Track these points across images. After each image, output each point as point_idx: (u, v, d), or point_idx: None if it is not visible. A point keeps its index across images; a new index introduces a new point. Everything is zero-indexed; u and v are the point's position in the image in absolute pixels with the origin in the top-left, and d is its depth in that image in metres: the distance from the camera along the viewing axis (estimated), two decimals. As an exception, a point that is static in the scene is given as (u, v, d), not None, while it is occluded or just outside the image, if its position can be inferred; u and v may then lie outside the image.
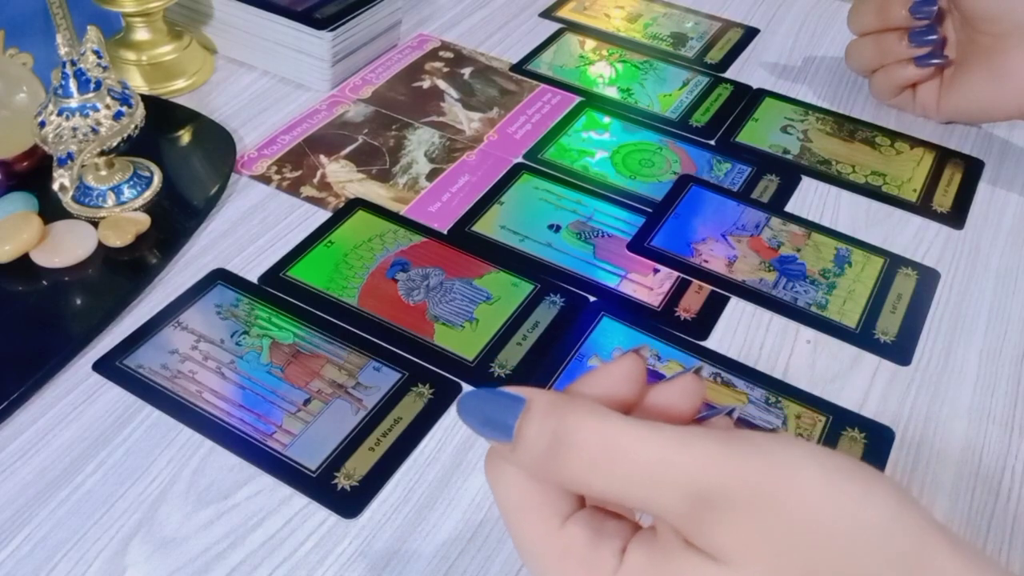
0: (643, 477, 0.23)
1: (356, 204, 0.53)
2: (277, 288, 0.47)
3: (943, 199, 0.55)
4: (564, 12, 0.72)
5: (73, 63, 0.47)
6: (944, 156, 0.59)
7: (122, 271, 0.48)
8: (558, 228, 0.52)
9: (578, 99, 0.62)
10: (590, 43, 0.69)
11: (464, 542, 0.37)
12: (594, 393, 0.26)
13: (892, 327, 0.47)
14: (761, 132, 0.60)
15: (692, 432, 0.23)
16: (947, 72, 0.58)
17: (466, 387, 0.43)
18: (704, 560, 0.23)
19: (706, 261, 0.50)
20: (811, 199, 0.55)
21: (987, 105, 0.56)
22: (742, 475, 0.22)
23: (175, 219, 0.51)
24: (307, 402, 0.41)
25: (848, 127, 0.61)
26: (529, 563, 0.26)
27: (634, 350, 0.27)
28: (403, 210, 0.52)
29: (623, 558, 0.24)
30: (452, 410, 0.41)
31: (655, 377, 0.43)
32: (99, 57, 0.48)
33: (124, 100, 0.49)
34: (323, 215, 0.52)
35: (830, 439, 0.41)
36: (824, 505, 0.22)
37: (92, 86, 0.48)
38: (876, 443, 0.41)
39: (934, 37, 0.57)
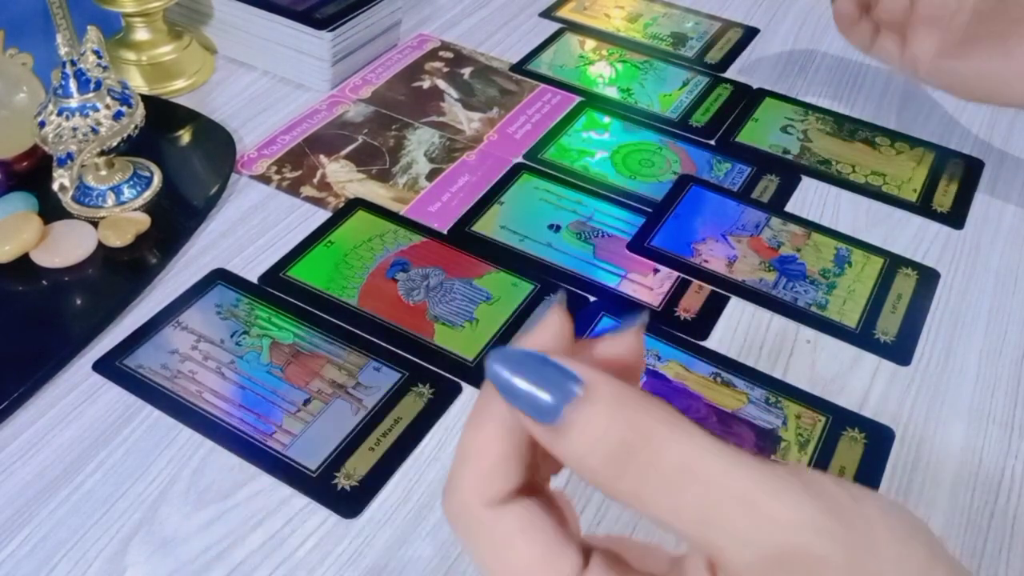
0: (722, 514, 0.19)
1: (356, 204, 0.53)
2: (277, 288, 0.47)
3: (943, 199, 0.55)
4: (564, 12, 0.72)
5: (73, 63, 0.47)
6: (944, 156, 0.59)
7: (122, 271, 0.48)
8: (558, 228, 0.52)
9: (578, 99, 0.62)
10: (590, 43, 0.69)
11: (464, 542, 0.37)
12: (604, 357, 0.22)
13: (892, 327, 0.47)
14: (761, 132, 0.60)
15: (779, 475, 0.20)
16: (951, 37, 0.54)
17: (466, 387, 0.43)
18: None
19: (706, 261, 0.50)
20: (811, 199, 0.55)
21: (990, 86, 0.52)
22: (835, 546, 0.19)
23: (175, 219, 0.51)
24: (307, 402, 0.41)
25: (848, 127, 0.61)
26: None
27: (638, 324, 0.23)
28: (403, 210, 0.52)
29: None
30: (452, 410, 0.41)
31: (655, 377, 0.43)
32: (99, 57, 0.48)
33: (124, 100, 0.49)
34: (323, 215, 0.52)
35: (830, 439, 0.41)
36: None
37: (92, 86, 0.48)
38: (876, 443, 0.41)
39: None
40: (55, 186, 0.47)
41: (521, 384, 0.20)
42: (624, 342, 0.23)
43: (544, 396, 0.20)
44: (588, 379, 0.20)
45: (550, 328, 0.22)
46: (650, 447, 0.19)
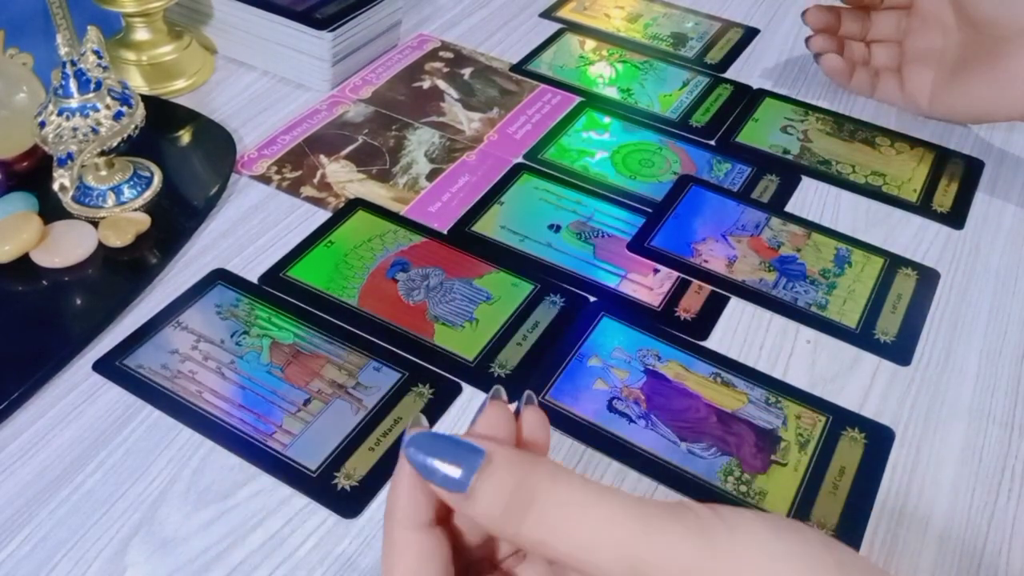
0: (604, 542, 0.23)
1: (356, 204, 0.53)
2: (277, 288, 0.47)
3: (943, 199, 0.55)
4: (564, 12, 0.72)
5: (73, 63, 0.47)
6: (944, 156, 0.59)
7: (122, 271, 0.48)
8: (558, 228, 0.52)
9: (578, 99, 0.62)
10: (590, 43, 0.69)
11: (464, 542, 0.37)
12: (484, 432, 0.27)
13: (892, 327, 0.47)
14: (761, 132, 0.60)
15: (647, 504, 0.23)
16: (943, 69, 0.58)
17: (466, 387, 0.43)
18: None
19: (706, 261, 0.50)
20: (811, 199, 0.55)
21: (988, 107, 0.56)
22: (677, 555, 0.22)
23: (175, 219, 0.51)
24: (307, 402, 0.41)
25: (848, 127, 0.61)
26: None
27: (491, 395, 0.28)
28: (403, 210, 0.52)
29: None
30: (452, 410, 0.42)
31: (655, 377, 0.43)
32: (99, 57, 0.48)
33: (124, 100, 0.49)
34: (323, 215, 0.52)
35: (830, 439, 0.41)
36: None
37: (92, 86, 0.48)
38: (876, 443, 0.41)
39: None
40: (55, 186, 0.47)
41: (434, 464, 0.24)
42: (528, 418, 0.28)
43: (454, 472, 0.24)
44: (488, 449, 0.24)
45: (492, 416, 0.27)
46: (539, 496, 0.23)
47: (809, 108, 0.62)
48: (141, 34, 0.61)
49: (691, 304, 0.47)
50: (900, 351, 0.45)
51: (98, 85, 0.48)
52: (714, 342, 0.46)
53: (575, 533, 0.23)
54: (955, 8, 0.56)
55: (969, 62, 0.56)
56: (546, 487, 0.24)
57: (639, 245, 0.51)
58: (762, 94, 0.64)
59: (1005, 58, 0.53)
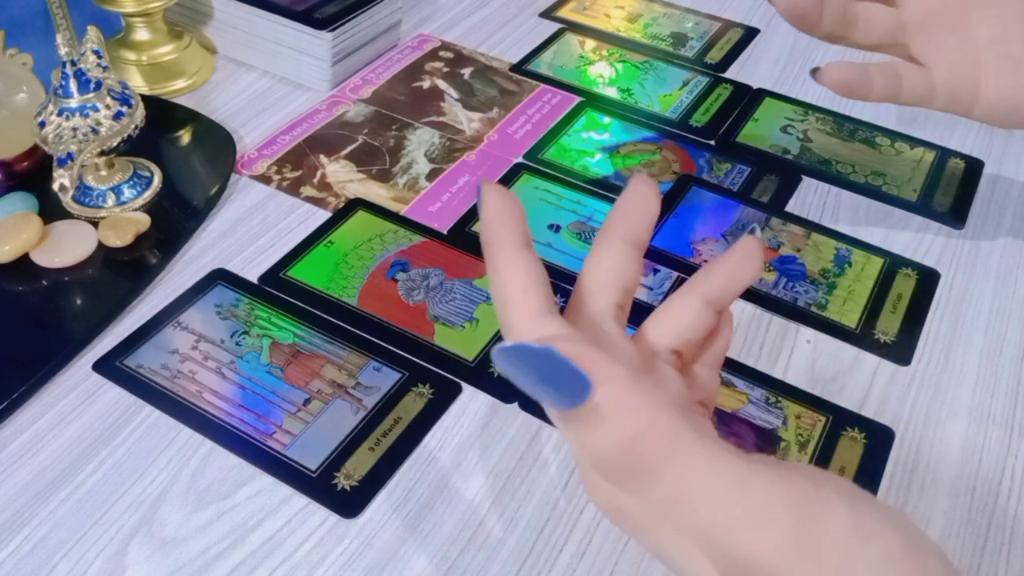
0: (708, 529, 0.22)
1: (356, 204, 0.53)
2: (277, 288, 0.47)
3: (943, 199, 0.55)
4: (564, 12, 0.72)
5: (73, 63, 0.47)
6: (944, 156, 0.59)
7: (122, 271, 0.48)
8: (558, 228, 0.52)
9: (578, 99, 0.62)
10: (590, 43, 0.69)
11: (464, 542, 0.37)
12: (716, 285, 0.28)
13: (892, 327, 0.47)
14: (761, 132, 0.60)
15: (778, 498, 0.22)
16: None
17: (466, 387, 0.43)
18: None
19: (706, 261, 0.50)
20: (811, 199, 0.55)
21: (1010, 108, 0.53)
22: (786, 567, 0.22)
23: (175, 219, 0.51)
24: (307, 402, 0.41)
25: (848, 127, 0.61)
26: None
27: (749, 232, 0.28)
28: (403, 210, 0.52)
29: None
30: (452, 410, 0.42)
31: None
32: (99, 57, 0.48)
33: (124, 100, 0.49)
34: (323, 215, 0.52)
35: (830, 439, 0.41)
36: None
37: (92, 86, 0.48)
38: (876, 443, 0.41)
39: None
40: (55, 186, 0.47)
41: (534, 388, 0.22)
42: (742, 252, 0.29)
43: (554, 400, 0.22)
44: (604, 382, 0.22)
45: (740, 254, 0.29)
46: (657, 467, 0.22)
47: (809, 108, 0.62)
48: (141, 34, 0.61)
49: (691, 304, 0.47)
50: (900, 351, 0.45)
51: (98, 85, 0.48)
52: (714, 342, 0.45)
53: (706, 507, 0.22)
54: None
55: (1004, 64, 0.54)
56: (663, 454, 0.22)
57: (639, 245, 0.51)
58: (762, 94, 0.64)
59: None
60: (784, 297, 0.48)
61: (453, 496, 0.38)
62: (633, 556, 0.36)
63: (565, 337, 0.24)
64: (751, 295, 0.48)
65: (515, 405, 0.42)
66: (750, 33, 0.71)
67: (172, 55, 0.61)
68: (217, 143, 0.56)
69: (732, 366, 0.44)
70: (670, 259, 0.50)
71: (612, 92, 0.63)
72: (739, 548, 0.22)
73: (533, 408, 0.41)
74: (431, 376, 0.43)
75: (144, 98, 0.51)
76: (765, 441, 0.41)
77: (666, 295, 0.48)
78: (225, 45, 0.65)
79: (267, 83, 0.63)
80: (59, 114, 0.47)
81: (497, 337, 0.45)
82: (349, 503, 0.38)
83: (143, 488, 0.38)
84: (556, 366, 0.21)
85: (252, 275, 0.48)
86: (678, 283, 0.48)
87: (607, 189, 0.55)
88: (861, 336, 0.46)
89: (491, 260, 0.26)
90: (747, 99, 0.63)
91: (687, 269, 0.49)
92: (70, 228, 0.49)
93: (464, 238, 0.51)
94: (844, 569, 0.22)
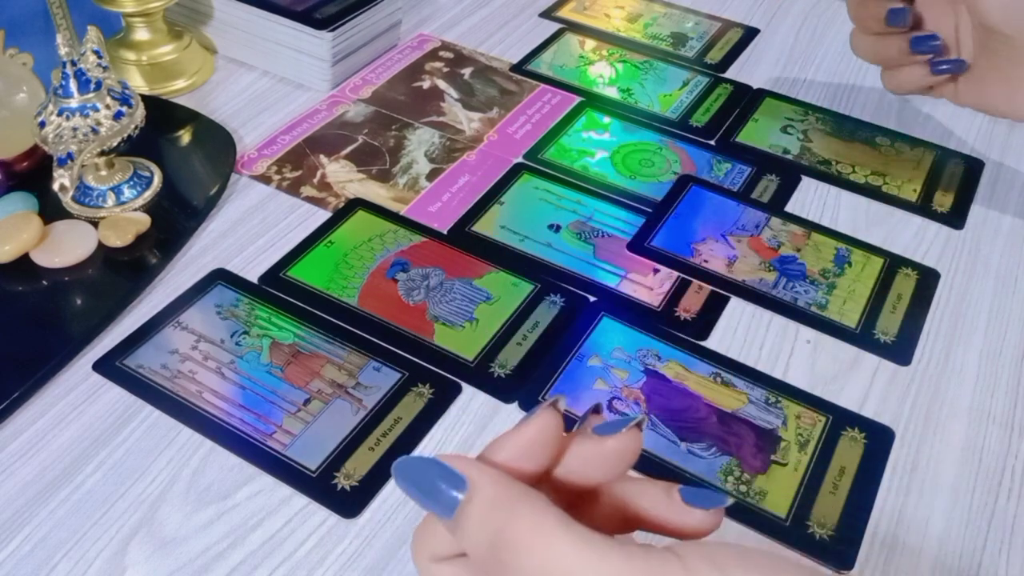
0: None
1: (356, 204, 0.53)
2: (277, 288, 0.47)
3: (943, 199, 0.55)
4: (564, 12, 0.72)
5: (73, 63, 0.47)
6: (944, 156, 0.59)
7: (122, 271, 0.48)
8: (558, 228, 0.52)
9: (578, 99, 0.62)
10: (590, 43, 0.69)
11: (464, 542, 0.37)
12: (503, 459, 0.25)
13: (892, 327, 0.47)
14: (761, 132, 0.60)
15: (635, 571, 0.22)
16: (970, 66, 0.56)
17: (466, 387, 0.43)
18: None
19: (706, 261, 0.50)
20: (811, 199, 0.55)
21: (1003, 108, 0.55)
22: None
23: (175, 219, 0.51)
24: (307, 402, 0.41)
25: (848, 127, 0.61)
26: None
27: (551, 402, 0.25)
28: (403, 210, 0.52)
29: None
30: (452, 410, 0.42)
31: (655, 377, 0.43)
32: (99, 57, 0.48)
33: (124, 100, 0.49)
34: (323, 215, 0.52)
35: (830, 439, 0.41)
36: None
37: (92, 86, 0.48)
38: (876, 443, 0.41)
39: (936, 43, 0.56)
40: (55, 186, 0.47)
41: (419, 492, 0.24)
42: (616, 448, 0.25)
43: (435, 503, 0.23)
44: (472, 478, 0.23)
45: (538, 424, 0.25)
46: (520, 548, 0.22)
47: (809, 108, 0.62)
48: (141, 34, 0.61)
49: (691, 304, 0.47)
50: (900, 351, 0.45)
51: (98, 85, 0.48)
52: (714, 342, 0.46)
53: None
54: (967, 8, 0.55)
55: (982, 65, 0.55)
56: (526, 540, 0.22)
57: (639, 245, 0.51)
58: (762, 94, 0.64)
59: (1019, 66, 0.52)
60: (784, 297, 0.48)
61: (453, 496, 0.38)
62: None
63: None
64: (751, 295, 0.48)
65: (515, 405, 0.42)
66: (750, 33, 0.71)
67: (172, 55, 0.61)
68: (217, 143, 0.56)
69: (732, 366, 0.44)
70: (670, 259, 0.50)
71: (612, 92, 0.63)
72: None
73: (533, 408, 0.41)
74: (431, 376, 0.43)
75: (144, 98, 0.51)
76: (765, 441, 0.41)
77: (666, 295, 0.48)
78: (225, 45, 0.65)
79: (267, 83, 0.63)
80: (59, 114, 0.47)
81: (497, 337, 0.45)
82: (349, 503, 0.38)
83: (143, 488, 0.38)
84: (433, 471, 0.24)
85: (252, 275, 0.48)
86: (678, 283, 0.48)
87: (607, 189, 0.55)
88: (861, 336, 0.46)
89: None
90: (747, 99, 0.63)
91: (687, 269, 0.49)
92: (70, 228, 0.49)
93: (464, 238, 0.51)
94: None
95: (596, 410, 0.26)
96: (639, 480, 0.26)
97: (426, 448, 0.40)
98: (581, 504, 0.26)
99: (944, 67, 0.55)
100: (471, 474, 0.23)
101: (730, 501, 0.25)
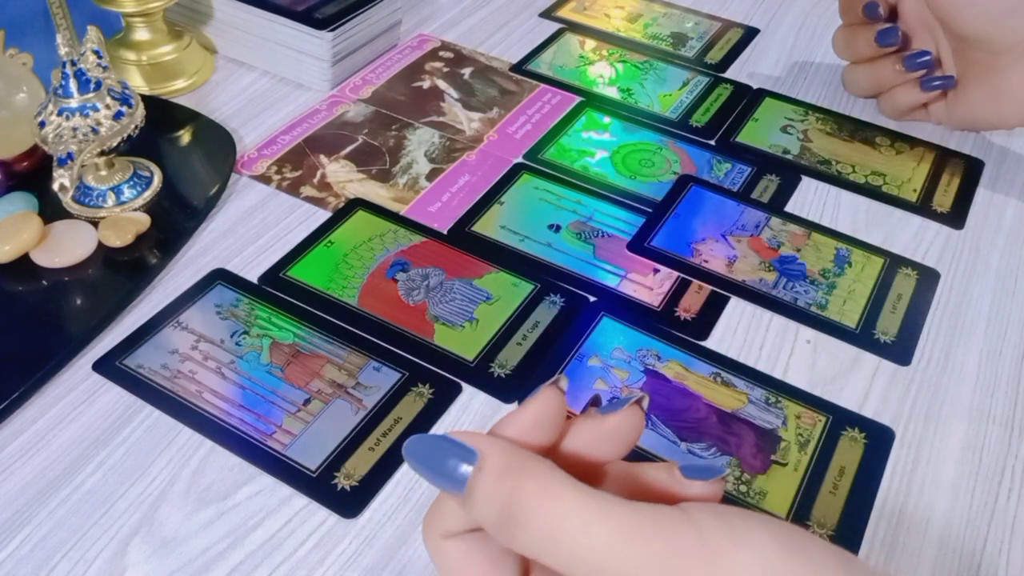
0: (586, 566, 0.22)
1: (356, 204, 0.53)
2: (277, 288, 0.47)
3: (943, 199, 0.55)
4: (564, 12, 0.72)
5: (73, 63, 0.47)
6: (944, 156, 0.59)
7: (122, 271, 0.48)
8: (558, 228, 0.52)
9: (578, 99, 0.62)
10: (590, 43, 0.69)
11: (464, 542, 0.37)
12: (510, 436, 0.25)
13: (892, 327, 0.47)
14: (761, 132, 0.60)
15: (643, 522, 0.22)
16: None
17: (466, 387, 0.43)
18: None
19: (706, 261, 0.50)
20: (811, 199, 0.55)
21: (991, 118, 0.56)
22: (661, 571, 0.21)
23: (175, 219, 0.51)
24: (307, 402, 0.41)
25: (848, 127, 0.61)
26: None
27: (552, 381, 0.25)
28: (403, 210, 0.52)
29: None
30: (452, 410, 0.42)
31: (655, 377, 0.43)
32: (99, 57, 0.48)
33: (124, 100, 0.49)
34: (323, 215, 0.52)
35: (830, 439, 0.41)
36: None
37: (92, 86, 0.48)
38: (876, 443, 0.41)
39: (927, 59, 0.56)
40: (55, 186, 0.47)
41: (430, 467, 0.24)
42: (617, 424, 0.25)
43: (447, 480, 0.24)
44: (481, 450, 0.23)
45: (541, 402, 0.25)
46: (528, 513, 0.22)
47: (809, 108, 0.62)
48: (141, 34, 0.61)
49: (691, 304, 0.47)
50: (900, 351, 0.45)
51: (98, 85, 0.48)
52: (714, 342, 0.46)
53: (568, 554, 0.22)
54: (941, 23, 0.56)
55: (966, 77, 0.56)
56: (535, 504, 0.23)
57: (639, 245, 0.51)
58: (762, 94, 0.64)
59: (999, 72, 0.53)
60: (784, 297, 0.48)
61: (453, 496, 0.38)
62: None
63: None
64: (751, 295, 0.48)
65: (515, 405, 0.42)
66: (750, 33, 0.71)
67: (172, 55, 0.61)
68: (217, 143, 0.56)
69: (732, 366, 0.44)
70: (670, 259, 0.50)
71: (612, 92, 0.63)
72: (609, 571, 0.22)
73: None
74: (431, 376, 0.43)
75: (144, 98, 0.51)
76: (765, 441, 0.41)
77: (666, 295, 0.48)
78: (225, 45, 0.65)
79: (267, 83, 0.63)
80: (59, 114, 0.47)
81: (497, 337, 0.45)
82: (349, 503, 0.38)
83: (143, 488, 0.38)
84: (443, 447, 0.24)
85: (252, 275, 0.48)
86: (678, 283, 0.48)
87: (607, 189, 0.55)
88: (861, 336, 0.46)
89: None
90: (747, 99, 0.63)
91: (687, 269, 0.49)
92: (70, 228, 0.49)
93: (464, 238, 0.51)
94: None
95: (595, 402, 0.27)
96: (640, 463, 0.26)
97: (426, 448, 0.40)
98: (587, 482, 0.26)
99: (936, 83, 0.57)
100: (479, 445, 0.24)
101: (727, 470, 0.26)
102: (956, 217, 0.54)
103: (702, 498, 0.25)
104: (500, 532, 0.23)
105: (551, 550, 0.22)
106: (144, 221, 0.49)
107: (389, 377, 0.43)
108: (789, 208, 0.54)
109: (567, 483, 0.23)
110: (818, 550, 0.22)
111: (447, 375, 0.43)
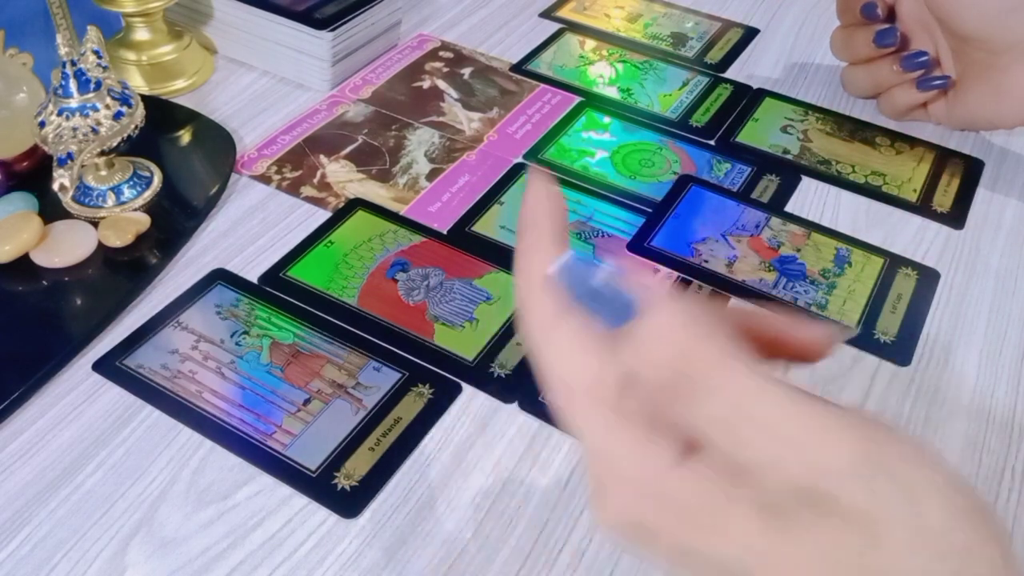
0: (768, 450, 0.21)
1: (356, 204, 0.53)
2: (277, 288, 0.47)
3: (943, 199, 0.55)
4: (564, 12, 0.72)
5: (73, 63, 0.47)
6: (944, 156, 0.59)
7: (122, 271, 0.48)
8: (558, 228, 0.52)
9: (578, 99, 0.62)
10: (590, 43, 0.69)
11: (464, 542, 0.37)
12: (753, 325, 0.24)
13: (892, 327, 0.47)
14: (761, 132, 0.60)
15: (836, 421, 0.21)
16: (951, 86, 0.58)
17: (466, 387, 0.43)
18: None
19: (706, 261, 0.50)
20: (811, 199, 0.55)
21: (991, 118, 0.56)
22: (864, 495, 0.20)
23: (175, 219, 0.51)
24: (307, 402, 0.41)
25: (848, 127, 0.61)
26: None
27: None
28: (403, 210, 0.52)
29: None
30: (452, 410, 0.42)
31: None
32: (99, 57, 0.48)
33: (124, 100, 0.49)
34: (323, 215, 0.52)
35: (830, 439, 0.41)
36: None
37: (92, 86, 0.48)
38: (876, 443, 0.41)
39: (925, 59, 0.57)
40: (55, 186, 0.47)
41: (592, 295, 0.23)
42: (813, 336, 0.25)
43: (609, 317, 0.22)
44: (654, 303, 0.22)
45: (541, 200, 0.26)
46: (715, 381, 0.21)
47: (809, 108, 0.62)
48: (141, 34, 0.61)
49: (691, 304, 0.47)
50: (900, 351, 0.45)
51: (98, 85, 0.48)
52: (714, 342, 0.45)
53: (749, 433, 0.21)
54: (941, 23, 0.56)
55: (967, 76, 0.56)
56: (724, 373, 0.21)
57: (639, 245, 0.51)
58: (762, 94, 0.64)
59: (999, 71, 0.53)
60: (784, 297, 0.48)
61: (453, 496, 0.38)
62: (633, 557, 0.36)
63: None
64: (751, 295, 0.48)
65: (515, 405, 0.42)
66: (750, 33, 0.71)
67: (172, 55, 0.61)
68: (217, 143, 0.56)
69: (732, 366, 0.44)
70: (670, 259, 0.50)
71: (612, 92, 0.63)
72: (807, 467, 0.20)
73: (533, 408, 0.41)
74: (431, 376, 0.43)
75: (144, 98, 0.51)
76: (765, 441, 0.41)
77: (666, 295, 0.48)
78: (225, 45, 0.65)
79: (267, 83, 0.63)
80: (59, 114, 0.47)
81: (497, 337, 0.45)
82: (349, 503, 0.38)
83: (143, 488, 0.38)
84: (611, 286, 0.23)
85: (252, 275, 0.48)
86: (678, 283, 0.48)
87: (607, 189, 0.55)
88: (861, 336, 0.46)
89: (522, 250, 0.26)
90: (747, 99, 0.63)
91: (687, 269, 0.49)
92: (70, 228, 0.49)
93: (464, 238, 0.51)
94: (919, 489, 0.20)
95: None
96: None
97: (427, 447, 0.40)
98: None
99: (933, 83, 0.57)
100: (654, 298, 0.22)
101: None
102: (956, 217, 0.54)
103: (820, 342, 0.25)
104: (665, 395, 0.21)
105: (730, 425, 0.21)
106: (144, 221, 0.49)
107: (389, 377, 0.43)
108: (789, 208, 0.54)
109: (753, 360, 0.21)
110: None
111: (447, 375, 0.43)
